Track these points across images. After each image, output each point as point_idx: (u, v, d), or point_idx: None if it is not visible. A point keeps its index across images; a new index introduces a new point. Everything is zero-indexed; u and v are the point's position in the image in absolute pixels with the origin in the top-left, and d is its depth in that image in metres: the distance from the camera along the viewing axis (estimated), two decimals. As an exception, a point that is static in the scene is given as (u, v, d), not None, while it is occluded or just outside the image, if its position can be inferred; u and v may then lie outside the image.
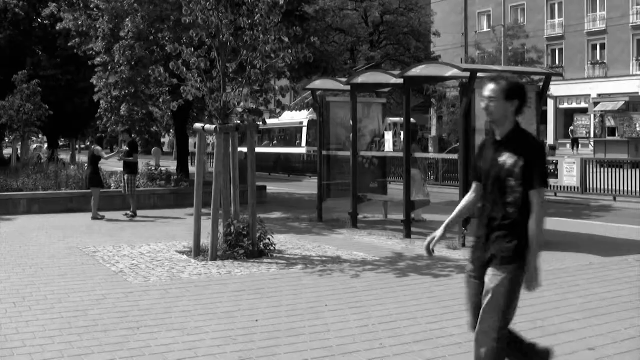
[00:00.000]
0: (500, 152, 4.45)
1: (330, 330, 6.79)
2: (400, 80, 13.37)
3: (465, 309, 4.86)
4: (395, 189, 19.57)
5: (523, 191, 4.35)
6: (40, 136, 40.39)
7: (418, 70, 13.27)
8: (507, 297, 4.38)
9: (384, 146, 15.26)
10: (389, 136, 15.27)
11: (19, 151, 31.40)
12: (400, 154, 13.92)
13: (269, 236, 11.27)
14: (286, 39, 11.02)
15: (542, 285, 4.55)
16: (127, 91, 18.51)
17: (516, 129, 4.48)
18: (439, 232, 4.83)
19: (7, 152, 41.32)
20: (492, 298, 4.38)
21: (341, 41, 49.03)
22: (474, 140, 11.34)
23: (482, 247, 4.54)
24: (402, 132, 15.72)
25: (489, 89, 4.44)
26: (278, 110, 12.22)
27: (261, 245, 11.08)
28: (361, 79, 14.84)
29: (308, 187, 26.26)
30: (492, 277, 4.42)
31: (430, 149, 35.30)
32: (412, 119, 14.45)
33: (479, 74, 11.60)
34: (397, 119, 30.65)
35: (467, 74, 11.84)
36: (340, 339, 6.45)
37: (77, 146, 61.57)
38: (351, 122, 14.73)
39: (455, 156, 13.10)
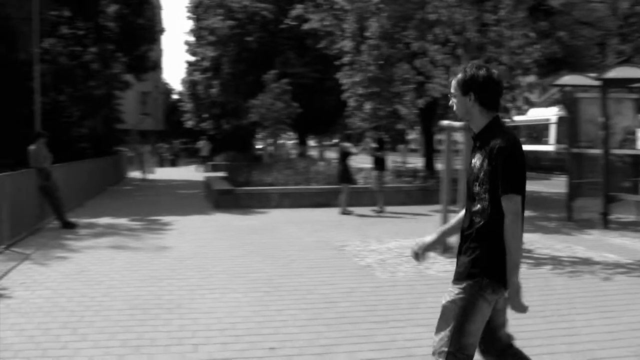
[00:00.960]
0: (474, 153, 4.12)
1: (580, 334, 6.75)
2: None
3: None
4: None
5: (490, 198, 3.95)
6: (289, 133, 43.05)
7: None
8: (458, 318, 3.98)
9: (637, 143, 14.67)
10: (643, 133, 14.75)
11: (271, 148, 33.71)
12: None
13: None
14: (532, 34, 10.98)
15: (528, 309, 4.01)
16: (372, 89, 19.39)
17: (489, 126, 4.09)
18: (426, 239, 4.54)
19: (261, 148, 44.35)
20: (443, 314, 4.07)
21: (589, 35, 46.62)
22: None
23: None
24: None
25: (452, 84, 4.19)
26: (525, 107, 12.19)
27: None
28: (612, 73, 14.39)
29: (556, 185, 25.91)
30: (447, 294, 4.09)
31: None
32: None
33: None
34: None
35: None
36: (585, 344, 6.39)
37: (325, 143, 64.72)
38: (602, 119, 14.33)
39: None
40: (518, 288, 3.93)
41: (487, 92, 4.08)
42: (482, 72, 4.08)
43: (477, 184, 4.02)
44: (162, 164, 50.00)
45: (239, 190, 19.89)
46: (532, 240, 12.32)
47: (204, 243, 12.86)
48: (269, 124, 30.13)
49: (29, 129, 22.16)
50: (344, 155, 18.07)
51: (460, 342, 3.96)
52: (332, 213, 17.38)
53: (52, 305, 8.13)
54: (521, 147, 3.96)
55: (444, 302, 4.07)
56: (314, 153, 49.46)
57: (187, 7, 46.46)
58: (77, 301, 8.31)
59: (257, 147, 54.37)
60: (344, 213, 17.20)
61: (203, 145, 47.43)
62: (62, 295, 8.57)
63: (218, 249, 12.16)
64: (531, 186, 23.35)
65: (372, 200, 18.18)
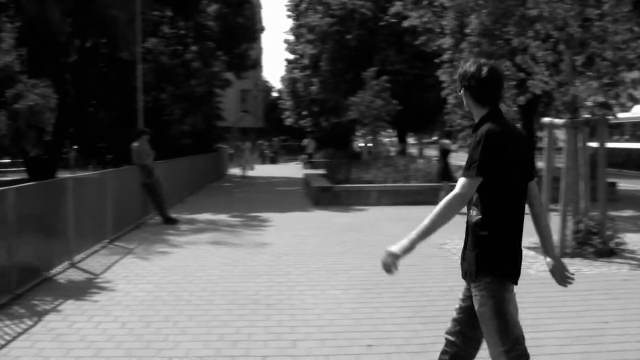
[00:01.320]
0: None
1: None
2: None
3: None
4: None
5: (479, 191, 4.05)
6: (389, 130, 43.09)
7: None
8: (494, 318, 4.02)
9: None
10: None
11: (370, 145, 33.78)
12: None
13: (620, 235, 10.99)
14: (637, 29, 10.71)
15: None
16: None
17: (482, 119, 4.18)
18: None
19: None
20: (481, 322, 4.09)
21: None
22: None
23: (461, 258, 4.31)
24: None
25: None
26: (629, 104, 11.89)
27: (612, 244, 10.82)
28: None
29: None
30: (474, 298, 4.12)
31: None
32: None
33: None
34: None
35: None
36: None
37: (425, 140, 64.42)
38: None
39: None
40: (405, 250, 4.16)
41: (477, 86, 4.18)
42: (473, 67, 4.19)
43: None
44: (263, 161, 50.74)
45: (337, 187, 20.04)
46: (636, 242, 11.96)
47: (303, 240, 13.04)
48: (368, 121, 30.21)
49: (132, 127, 22.91)
50: (444, 152, 17.99)
51: (509, 337, 4.00)
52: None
53: (153, 298, 8.44)
54: (489, 135, 4.01)
55: (476, 307, 4.10)
56: (413, 150, 49.30)
57: (286, 5, 47.00)
58: (177, 295, 8.60)
59: (356, 144, 54.53)
60: (443, 211, 17.14)
61: (308, 142, 47.90)
62: (163, 289, 8.88)
63: (316, 246, 12.32)
64: (635, 185, 22.66)
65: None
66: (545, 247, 4.44)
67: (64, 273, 10.08)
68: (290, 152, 71.54)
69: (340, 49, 36.97)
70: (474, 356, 4.38)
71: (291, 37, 48.64)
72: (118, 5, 23.01)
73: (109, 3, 22.70)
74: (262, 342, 6.59)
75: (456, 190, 4.04)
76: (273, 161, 51.82)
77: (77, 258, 11.00)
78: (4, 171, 29.25)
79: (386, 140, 51.07)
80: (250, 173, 35.62)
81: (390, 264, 4.16)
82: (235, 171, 38.26)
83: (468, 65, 4.26)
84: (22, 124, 11.71)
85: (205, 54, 33.56)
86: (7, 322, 7.40)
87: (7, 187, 8.63)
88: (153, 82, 31.22)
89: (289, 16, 46.49)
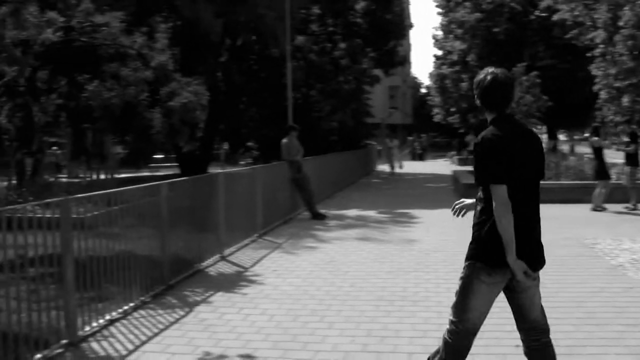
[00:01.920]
0: None
1: None
2: None
3: None
4: None
5: (483, 188, 4.60)
6: (539, 127, 41.89)
7: None
8: (459, 294, 4.73)
9: None
10: None
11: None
12: None
13: None
14: None
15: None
16: (629, 82, 18.36)
17: (489, 123, 4.64)
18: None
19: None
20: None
21: None
22: None
23: None
24: None
25: None
26: None
27: None
28: None
29: None
30: None
31: None
32: None
33: None
34: None
35: None
36: None
37: (576, 137, 62.28)
38: None
39: None
40: (514, 264, 4.44)
41: (483, 93, 4.61)
42: (482, 75, 4.63)
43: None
44: (413, 157, 50.46)
45: (488, 184, 19.60)
46: None
47: (451, 237, 12.86)
48: (518, 117, 29.51)
49: (282, 123, 23.31)
50: (598, 150, 17.25)
51: (460, 315, 4.69)
52: (582, 209, 16.62)
53: (301, 292, 8.53)
54: (491, 141, 4.43)
55: None
56: (564, 147, 47.72)
57: (435, 1, 46.61)
58: (324, 290, 8.65)
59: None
60: (596, 209, 16.44)
61: (470, 139, 47.28)
62: (311, 284, 8.96)
63: (464, 243, 12.03)
64: None
65: (624, 197, 17.20)
66: None
67: (214, 266, 10.37)
68: (439, 149, 70.99)
69: (488, 44, 36.33)
70: (549, 344, 5.01)
71: (439, 33, 48.21)
72: (267, 4, 23.47)
73: (258, 2, 23.19)
74: (408, 338, 6.53)
75: (497, 199, 4.40)
76: (421, 158, 51.40)
77: (227, 251, 11.29)
78: (157, 166, 30.47)
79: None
80: (398, 170, 35.41)
81: (522, 277, 4.56)
82: (383, 168, 38.26)
83: (478, 75, 4.70)
84: (175, 120, 12.12)
85: (354, 51, 33.72)
86: (160, 312, 7.67)
87: (161, 182, 8.94)
88: (302, 79, 31.71)
89: (438, 13, 46.08)
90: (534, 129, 34.51)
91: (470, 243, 4.77)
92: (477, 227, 4.70)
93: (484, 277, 4.59)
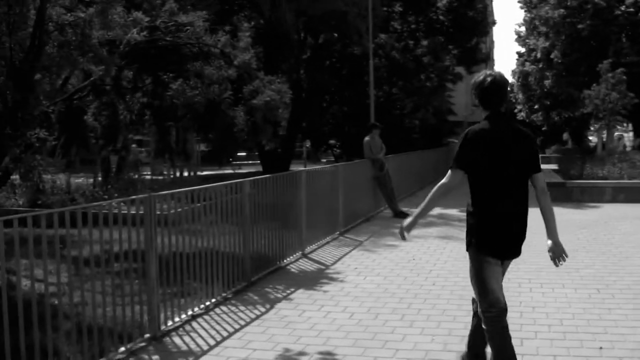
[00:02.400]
0: None
1: None
2: None
3: None
4: None
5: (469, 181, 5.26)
6: (625, 125, 40.74)
7: None
8: (474, 282, 5.26)
9: None
10: None
11: (604, 139, 32.21)
12: None
13: None
14: None
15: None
16: None
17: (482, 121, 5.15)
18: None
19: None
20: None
21: None
22: None
23: None
24: None
25: None
26: None
27: None
28: None
29: None
30: None
31: None
32: None
33: None
34: None
35: None
36: None
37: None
38: None
39: None
40: (400, 226, 5.71)
41: (483, 93, 5.10)
42: (481, 77, 5.15)
43: None
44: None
45: (570, 183, 19.27)
46: None
47: (533, 236, 12.56)
48: (603, 115, 28.76)
49: (364, 121, 23.26)
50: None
51: (486, 301, 5.06)
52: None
53: (382, 291, 8.47)
54: (467, 135, 5.08)
55: None
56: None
57: (518, -3, 45.81)
58: (405, 288, 8.58)
59: (589, 139, 52.28)
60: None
61: (567, 137, 46.53)
62: (391, 282, 8.90)
63: (543, 242, 11.81)
64: None
65: None
66: (547, 229, 5.56)
67: (295, 263, 10.41)
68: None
69: (572, 41, 35.50)
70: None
71: (522, 30, 47.34)
72: (348, 2, 23.44)
73: (340, 1, 23.19)
74: (490, 339, 6.39)
75: (443, 179, 5.34)
76: None
77: (308, 249, 11.31)
78: (240, 164, 30.80)
79: (621, 135, 48.38)
80: None
81: (400, 233, 5.77)
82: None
83: (478, 76, 5.20)
84: (258, 118, 12.18)
85: (436, 48, 33.40)
86: (241, 308, 7.72)
87: (244, 179, 9.00)
88: (384, 76, 31.57)
89: (521, 7, 45.24)
90: (620, 127, 33.57)
91: (466, 235, 5.33)
92: (470, 222, 5.32)
93: (487, 258, 5.13)
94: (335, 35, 28.55)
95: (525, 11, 43.62)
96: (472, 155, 5.03)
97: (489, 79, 5.08)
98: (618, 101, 27.87)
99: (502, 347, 5.01)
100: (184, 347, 6.32)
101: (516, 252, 5.43)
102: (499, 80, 5.07)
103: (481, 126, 5.07)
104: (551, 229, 5.49)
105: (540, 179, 5.29)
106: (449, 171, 5.20)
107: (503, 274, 5.37)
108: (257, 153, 29.55)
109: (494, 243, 5.13)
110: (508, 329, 5.06)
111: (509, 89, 5.58)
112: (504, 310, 5.03)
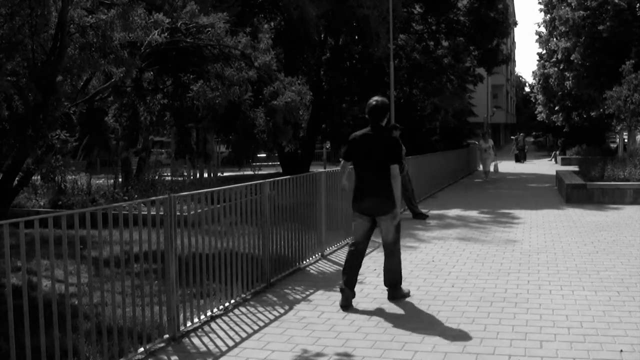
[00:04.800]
0: None
1: None
2: None
3: None
4: None
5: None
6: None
7: None
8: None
9: None
10: None
11: (626, 141, 31.97)
12: None
13: None
14: None
15: None
16: None
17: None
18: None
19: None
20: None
21: None
22: None
23: None
24: None
25: None
26: None
27: None
28: None
29: None
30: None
31: None
32: None
33: None
34: None
35: None
36: None
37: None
38: None
39: None
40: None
41: (366, 111, 8.21)
42: (371, 101, 8.15)
43: None
44: (518, 157, 48.97)
45: (591, 184, 19.13)
46: None
47: (553, 238, 12.55)
48: (625, 117, 28.55)
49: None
50: None
51: (353, 240, 8.35)
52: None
53: (400, 292, 8.45)
54: (350, 137, 8.26)
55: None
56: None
57: (539, -2, 45.51)
58: (424, 290, 8.57)
59: (611, 140, 51.89)
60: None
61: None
62: (410, 284, 8.86)
63: (567, 245, 11.79)
64: None
65: None
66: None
67: (315, 264, 10.41)
68: (543, 148, 69.35)
69: (593, 42, 35.24)
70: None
71: (543, 31, 47.09)
72: (368, 4, 23.40)
73: (360, 2, 23.15)
74: (508, 340, 6.40)
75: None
76: (517, 159, 49.21)
77: (328, 250, 11.31)
78: (260, 165, 30.86)
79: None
80: (492, 170, 33.07)
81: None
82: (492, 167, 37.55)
83: (370, 100, 8.17)
84: (279, 120, 12.17)
85: (457, 50, 33.30)
86: (260, 309, 7.73)
87: (263, 181, 9.01)
88: (405, 78, 31.51)
89: (540, 10, 44.97)
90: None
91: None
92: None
93: (356, 215, 8.13)
94: (356, 37, 28.51)
95: (545, 13, 43.38)
96: (345, 150, 8.28)
97: (372, 102, 8.05)
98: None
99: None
100: (203, 348, 6.34)
101: (370, 208, 7.96)
102: (379, 104, 8.00)
103: (362, 132, 8.08)
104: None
105: (393, 168, 7.79)
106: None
107: (372, 228, 8.14)
108: (277, 154, 29.57)
109: (359, 205, 8.03)
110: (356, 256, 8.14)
111: (387, 110, 8.09)
112: (358, 251, 8.19)
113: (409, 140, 17.67)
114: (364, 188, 7.86)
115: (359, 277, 9.29)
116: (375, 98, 8.02)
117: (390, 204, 7.85)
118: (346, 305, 7.75)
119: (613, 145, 44.70)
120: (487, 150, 28.87)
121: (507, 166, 39.80)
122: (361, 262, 8.19)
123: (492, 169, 29.63)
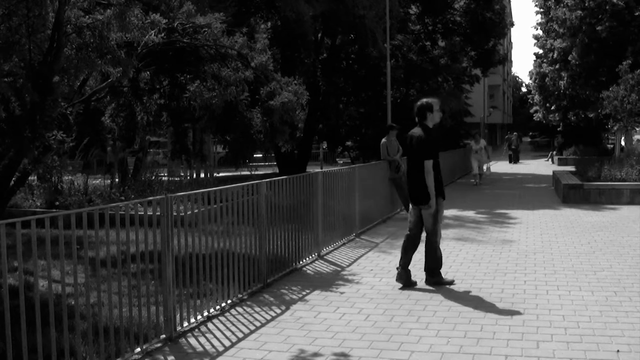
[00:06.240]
0: None
1: None
2: None
3: None
4: None
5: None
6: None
7: None
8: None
9: None
10: None
11: (622, 141, 32.03)
12: None
13: None
14: None
15: None
16: None
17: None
18: None
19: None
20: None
21: None
22: None
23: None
24: None
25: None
26: None
27: None
28: None
29: None
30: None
31: None
32: None
33: None
34: None
35: None
36: None
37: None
38: None
39: None
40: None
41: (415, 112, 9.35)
42: (418, 102, 9.30)
43: None
44: (512, 157, 48.99)
45: (588, 185, 19.16)
46: None
47: (550, 238, 12.57)
48: (622, 117, 28.60)
49: (381, 123, 23.20)
50: None
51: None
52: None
53: (398, 292, 8.48)
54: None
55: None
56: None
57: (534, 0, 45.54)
58: (421, 290, 8.57)
59: (607, 140, 51.97)
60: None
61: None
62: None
63: (564, 245, 11.82)
64: None
65: None
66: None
67: (311, 264, 10.41)
68: (540, 149, 69.38)
69: (590, 42, 35.28)
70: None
71: (539, 31, 47.14)
72: (365, 4, 23.42)
73: (356, 3, 23.17)
74: (505, 340, 6.40)
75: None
76: (510, 159, 49.14)
77: (324, 250, 11.32)
78: (256, 165, 30.86)
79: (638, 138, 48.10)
80: (486, 172, 32.96)
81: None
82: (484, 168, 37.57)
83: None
84: (275, 120, 12.18)
85: (453, 50, 33.33)
86: (257, 309, 7.74)
87: (260, 181, 9.01)
88: (401, 78, 31.52)
89: (537, 12, 45.01)
90: (639, 129, 33.15)
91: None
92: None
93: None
94: (352, 37, 28.53)
95: (540, 13, 43.41)
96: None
97: (419, 103, 9.14)
98: (637, 102, 27.67)
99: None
100: (200, 348, 6.34)
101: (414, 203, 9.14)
102: (417, 104, 9.12)
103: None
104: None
105: (426, 163, 8.77)
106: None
107: (421, 217, 9.11)
108: (273, 155, 29.59)
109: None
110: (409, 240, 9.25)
111: (423, 109, 9.00)
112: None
113: (406, 141, 17.64)
114: (407, 180, 9.40)
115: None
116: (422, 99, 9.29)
117: (423, 195, 8.83)
118: (399, 282, 8.83)
119: (610, 146, 44.72)
120: (479, 152, 28.71)
121: (503, 167, 39.79)
122: (412, 246, 9.15)
123: (485, 170, 29.56)
